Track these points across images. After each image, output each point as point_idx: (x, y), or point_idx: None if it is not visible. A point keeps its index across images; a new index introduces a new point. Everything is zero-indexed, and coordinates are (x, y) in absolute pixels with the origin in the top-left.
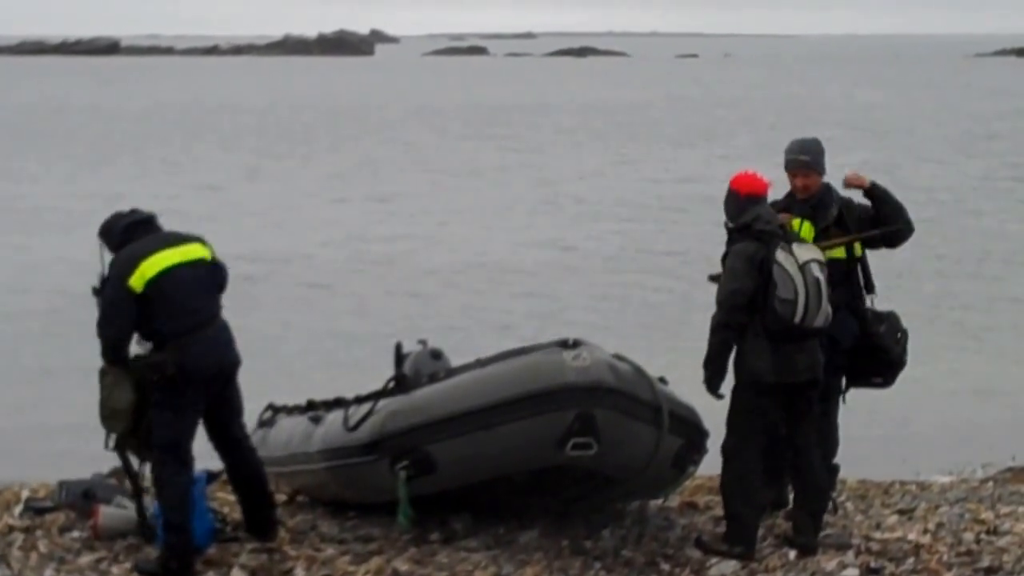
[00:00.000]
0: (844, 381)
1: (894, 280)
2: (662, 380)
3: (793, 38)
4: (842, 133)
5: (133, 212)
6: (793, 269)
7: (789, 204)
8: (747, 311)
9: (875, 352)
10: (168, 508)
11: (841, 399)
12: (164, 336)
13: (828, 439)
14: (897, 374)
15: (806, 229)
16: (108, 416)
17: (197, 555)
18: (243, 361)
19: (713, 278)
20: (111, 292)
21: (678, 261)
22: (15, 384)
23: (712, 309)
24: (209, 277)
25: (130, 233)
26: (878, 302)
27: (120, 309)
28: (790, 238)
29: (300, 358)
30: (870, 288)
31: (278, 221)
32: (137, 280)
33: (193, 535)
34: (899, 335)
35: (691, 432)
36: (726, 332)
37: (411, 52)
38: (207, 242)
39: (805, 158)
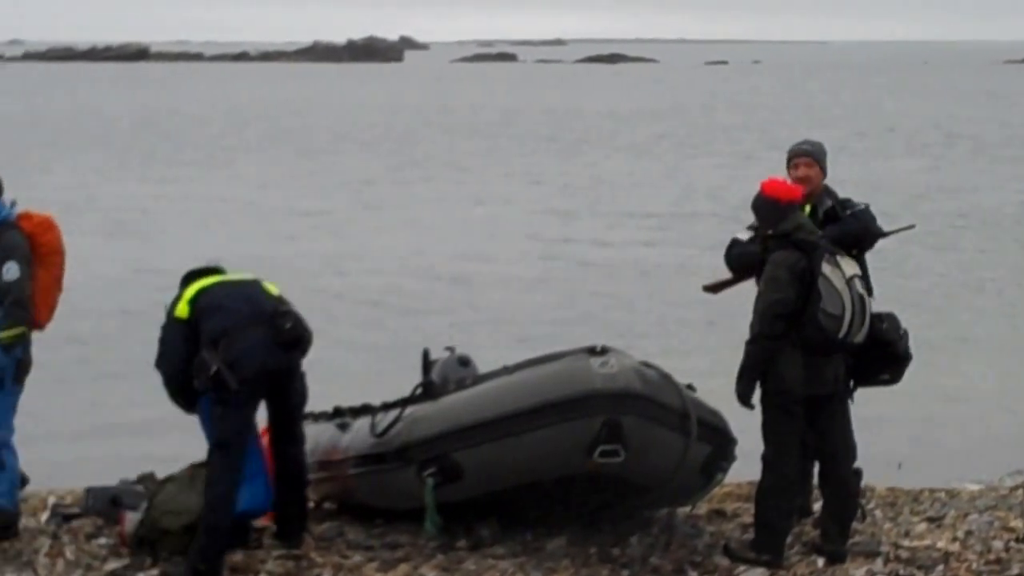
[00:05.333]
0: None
1: (927, 286)
2: (690, 387)
3: (822, 44)
4: (903, 140)
5: (206, 265)
6: (840, 284)
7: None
8: (786, 322)
9: (882, 348)
10: (208, 508)
11: (850, 400)
12: (212, 338)
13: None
14: (904, 369)
15: None
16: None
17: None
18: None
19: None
20: (163, 329)
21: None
22: (45, 389)
23: (738, 317)
24: (259, 293)
25: (190, 279)
26: (902, 305)
27: (169, 340)
28: (833, 249)
29: (328, 364)
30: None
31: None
32: (182, 308)
33: (226, 540)
34: (901, 332)
35: (719, 439)
36: (765, 342)
37: (440, 58)
38: (272, 283)
39: (807, 147)
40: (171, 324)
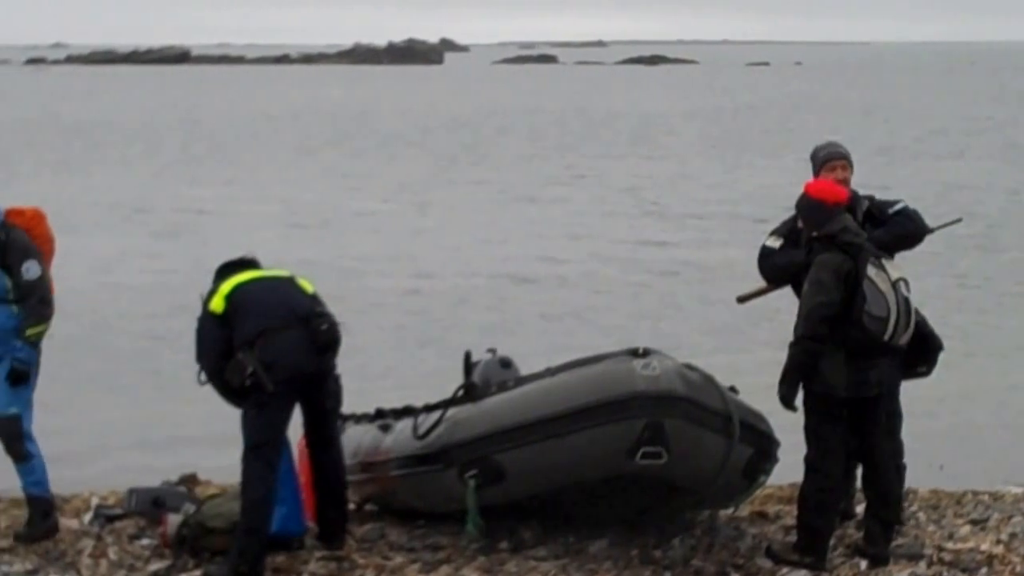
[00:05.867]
0: None
1: (975, 288)
2: (732, 389)
3: (863, 45)
4: (951, 141)
5: (240, 257)
6: (886, 286)
7: None
8: (831, 324)
9: (922, 341)
10: (246, 510)
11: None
12: (246, 340)
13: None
14: (936, 360)
15: None
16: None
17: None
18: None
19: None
20: (199, 322)
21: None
22: (89, 390)
23: (780, 320)
24: (294, 291)
25: (225, 272)
26: (950, 305)
27: (206, 336)
28: (878, 252)
29: (370, 365)
30: None
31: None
32: (217, 302)
33: (266, 541)
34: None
35: (762, 441)
36: (810, 344)
37: (481, 61)
38: (306, 279)
39: (843, 149)
40: (207, 318)
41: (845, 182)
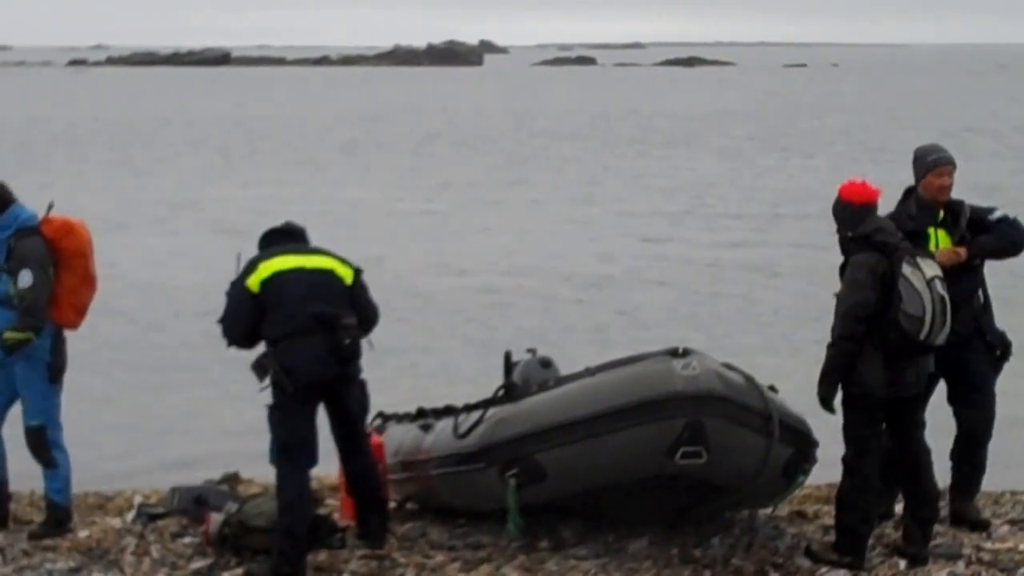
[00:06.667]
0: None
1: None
2: (772, 389)
3: (900, 47)
4: (989, 142)
5: (285, 223)
6: (920, 285)
7: (917, 213)
8: (867, 324)
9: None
10: (281, 512)
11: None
12: (272, 339)
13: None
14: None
15: (942, 238)
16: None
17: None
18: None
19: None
20: (231, 291)
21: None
22: (132, 389)
23: (823, 320)
24: (330, 287)
25: (269, 240)
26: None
27: (235, 307)
28: (913, 250)
29: (412, 364)
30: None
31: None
32: (254, 281)
33: (304, 542)
34: None
35: (801, 441)
36: (847, 344)
37: (520, 62)
38: (348, 262)
39: (950, 155)
40: (240, 291)
41: (950, 188)
